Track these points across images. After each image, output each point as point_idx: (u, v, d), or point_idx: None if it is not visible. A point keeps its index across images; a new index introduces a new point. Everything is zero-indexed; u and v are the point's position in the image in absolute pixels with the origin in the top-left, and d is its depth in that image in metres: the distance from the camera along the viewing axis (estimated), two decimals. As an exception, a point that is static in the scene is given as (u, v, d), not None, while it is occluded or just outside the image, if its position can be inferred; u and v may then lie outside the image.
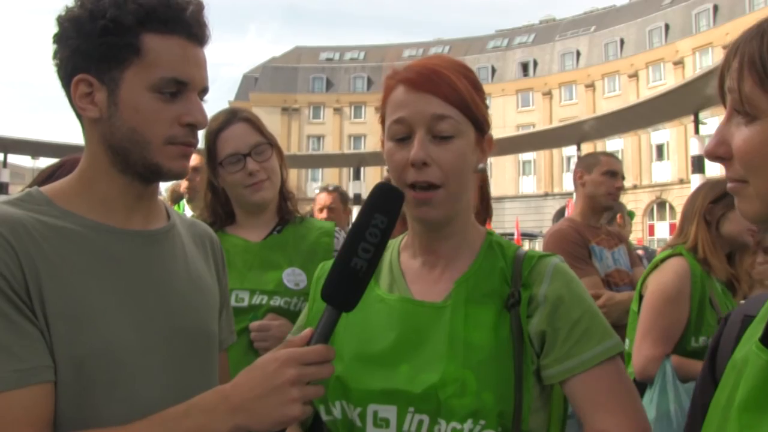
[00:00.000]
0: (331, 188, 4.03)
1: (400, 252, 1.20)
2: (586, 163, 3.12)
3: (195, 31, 1.01)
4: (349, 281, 0.90)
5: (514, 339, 1.03)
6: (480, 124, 1.10)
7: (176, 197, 3.50)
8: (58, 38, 0.99)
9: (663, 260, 2.28)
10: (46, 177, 1.41)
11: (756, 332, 0.79)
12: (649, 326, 2.18)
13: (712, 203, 2.29)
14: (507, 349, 1.03)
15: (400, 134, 1.07)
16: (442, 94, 1.04)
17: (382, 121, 1.12)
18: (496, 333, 1.04)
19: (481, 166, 1.12)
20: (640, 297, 2.31)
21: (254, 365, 0.89)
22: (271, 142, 1.84)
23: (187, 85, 1.01)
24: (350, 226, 0.92)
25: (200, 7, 1.02)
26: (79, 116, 1.03)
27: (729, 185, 0.76)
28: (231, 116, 1.83)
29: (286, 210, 1.90)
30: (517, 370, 1.02)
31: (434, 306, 1.08)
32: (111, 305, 0.95)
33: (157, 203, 1.12)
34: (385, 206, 0.91)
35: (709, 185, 2.40)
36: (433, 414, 1.00)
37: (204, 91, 1.05)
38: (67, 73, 0.99)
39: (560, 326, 1.05)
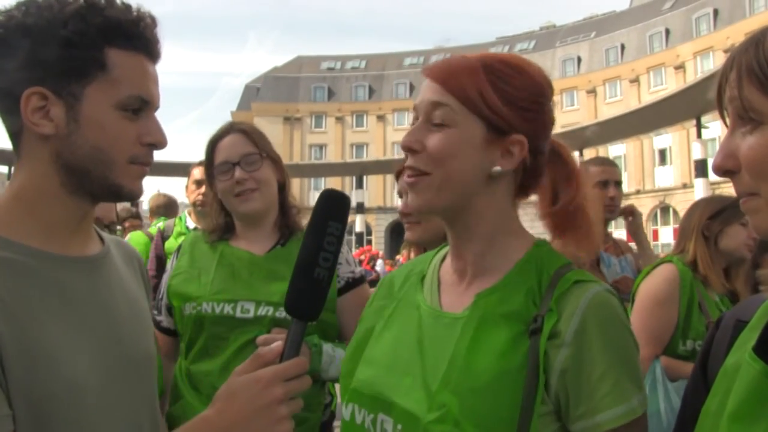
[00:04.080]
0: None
1: (444, 257, 1.15)
2: None
3: (153, 48, 1.00)
4: (314, 292, 0.90)
5: (529, 371, 0.91)
6: (491, 121, 1.01)
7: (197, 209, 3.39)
8: None
9: (654, 268, 2.36)
10: None
11: (748, 339, 0.78)
12: (638, 328, 2.22)
13: (709, 219, 2.35)
14: (515, 380, 0.92)
15: (413, 121, 1.06)
16: (443, 82, 1.02)
17: None
18: (504, 359, 0.93)
19: (497, 169, 1.01)
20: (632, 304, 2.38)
21: (234, 387, 0.86)
22: (264, 154, 1.87)
23: (149, 104, 0.98)
24: (305, 236, 0.93)
25: (156, 24, 1.00)
26: (15, 134, 0.95)
27: (741, 201, 0.75)
28: (229, 127, 1.91)
29: (286, 225, 1.91)
30: (525, 407, 0.90)
31: (452, 317, 1.03)
32: (66, 340, 0.90)
33: (92, 225, 1.06)
34: (336, 213, 0.92)
35: (706, 201, 2.47)
36: None
37: (157, 109, 1.02)
38: (13, 85, 0.91)
39: (588, 372, 0.92)
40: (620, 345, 0.95)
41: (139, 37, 0.97)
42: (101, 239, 1.08)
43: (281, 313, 1.73)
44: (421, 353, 1.02)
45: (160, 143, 1.00)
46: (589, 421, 0.92)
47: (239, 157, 1.82)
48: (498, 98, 1.01)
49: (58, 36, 0.90)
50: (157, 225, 4.18)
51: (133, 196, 1.01)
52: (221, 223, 1.91)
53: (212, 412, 0.86)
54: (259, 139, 1.89)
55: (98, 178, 0.95)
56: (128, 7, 0.97)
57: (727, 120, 0.76)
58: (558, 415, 0.94)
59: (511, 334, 0.95)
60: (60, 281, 0.93)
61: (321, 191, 0.95)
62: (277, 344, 0.90)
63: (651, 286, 2.29)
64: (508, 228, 1.07)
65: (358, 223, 28.79)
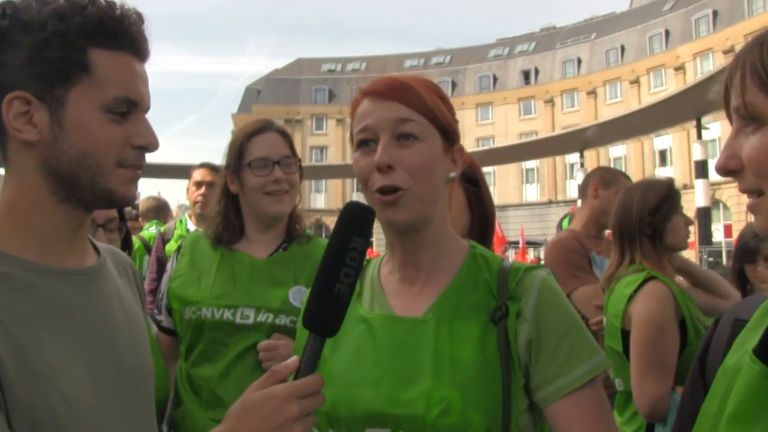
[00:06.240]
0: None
1: (381, 268, 1.18)
2: (603, 178, 3.03)
3: (140, 47, 0.96)
4: (333, 308, 0.88)
5: (501, 353, 1.02)
6: (447, 132, 1.10)
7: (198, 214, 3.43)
8: None
9: (637, 289, 2.08)
10: None
11: (747, 339, 0.78)
12: (647, 362, 2.02)
13: (650, 216, 2.14)
14: (494, 364, 1.02)
15: (365, 141, 1.07)
16: (404, 101, 1.06)
17: (351, 138, 1.12)
18: (482, 348, 1.03)
19: (452, 175, 1.11)
20: (622, 332, 2.11)
21: (249, 404, 0.84)
22: (298, 159, 1.89)
23: (137, 105, 0.95)
24: (326, 251, 0.89)
25: (143, 20, 0.96)
26: (0, 142, 0.92)
27: (747, 203, 0.75)
28: (267, 124, 1.90)
29: (294, 230, 1.91)
30: (505, 386, 1.00)
31: (415, 321, 1.07)
32: (65, 358, 0.87)
33: (87, 235, 1.04)
34: (360, 227, 0.89)
35: (638, 194, 2.20)
36: None
37: (147, 110, 0.98)
38: None
39: (546, 344, 1.04)
40: (570, 315, 1.08)
41: (124, 36, 0.93)
42: (96, 250, 1.06)
43: (281, 320, 1.73)
44: (387, 359, 1.05)
45: (152, 145, 0.97)
46: (552, 387, 1.02)
47: (280, 157, 1.82)
48: (447, 111, 1.11)
49: (38, 38, 0.87)
50: (149, 228, 4.19)
51: (127, 201, 0.98)
52: (234, 223, 1.87)
53: (225, 428, 0.84)
54: (293, 144, 1.91)
55: (88, 184, 0.92)
56: (111, 4, 0.93)
57: (733, 121, 0.76)
58: (526, 389, 1.04)
59: (480, 323, 1.05)
60: (58, 296, 0.91)
61: (345, 203, 0.93)
62: (293, 359, 0.88)
63: (647, 311, 2.03)
64: (449, 231, 1.16)
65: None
